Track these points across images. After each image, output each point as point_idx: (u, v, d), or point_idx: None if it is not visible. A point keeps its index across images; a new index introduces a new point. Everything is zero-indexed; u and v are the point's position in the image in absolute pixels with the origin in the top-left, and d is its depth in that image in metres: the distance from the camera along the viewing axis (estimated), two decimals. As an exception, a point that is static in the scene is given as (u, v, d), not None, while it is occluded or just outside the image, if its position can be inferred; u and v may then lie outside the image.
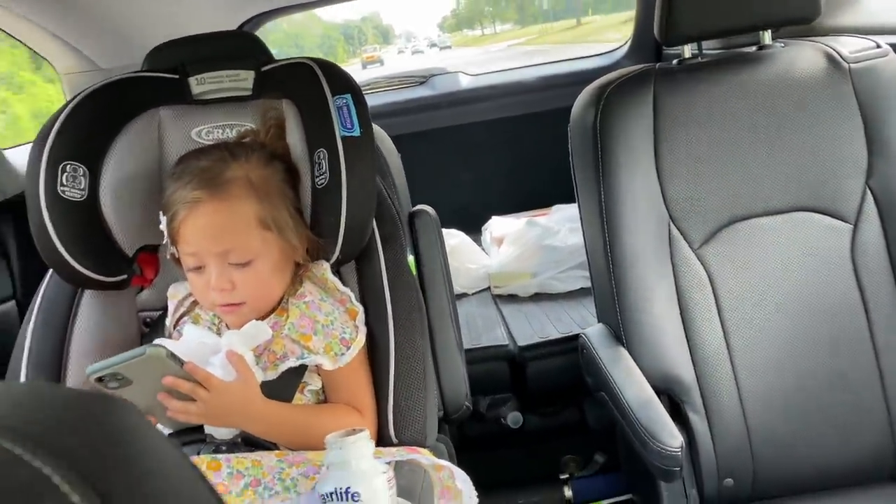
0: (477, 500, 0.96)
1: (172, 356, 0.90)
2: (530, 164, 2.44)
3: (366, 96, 1.12)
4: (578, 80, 2.29)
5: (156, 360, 0.89)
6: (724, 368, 1.27)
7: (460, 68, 2.65)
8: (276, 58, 1.19)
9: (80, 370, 1.10)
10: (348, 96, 1.09)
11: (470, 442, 1.64)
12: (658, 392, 1.21)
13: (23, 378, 1.09)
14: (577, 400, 1.77)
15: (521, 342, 1.71)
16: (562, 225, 2.02)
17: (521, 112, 2.46)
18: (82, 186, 1.08)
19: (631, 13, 2.40)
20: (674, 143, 1.30)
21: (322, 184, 1.07)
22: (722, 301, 1.28)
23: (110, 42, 1.59)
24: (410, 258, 1.21)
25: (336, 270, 1.11)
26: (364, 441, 0.77)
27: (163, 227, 1.04)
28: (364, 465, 0.76)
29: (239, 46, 1.21)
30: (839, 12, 1.60)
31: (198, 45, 1.20)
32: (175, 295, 1.14)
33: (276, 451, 0.97)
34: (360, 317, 1.07)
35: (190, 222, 1.00)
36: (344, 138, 1.06)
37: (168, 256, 1.11)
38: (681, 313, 1.28)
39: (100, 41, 1.57)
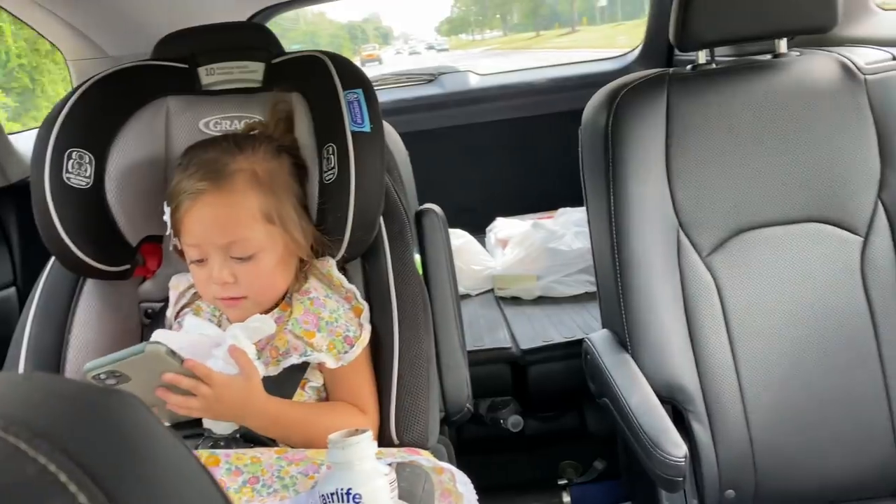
0: (477, 503, 0.95)
1: (171, 353, 0.89)
2: (537, 167, 2.43)
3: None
4: (588, 82, 2.28)
5: (154, 357, 0.88)
6: (730, 378, 1.25)
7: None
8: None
9: (80, 360, 1.09)
10: (360, 91, 1.08)
11: (468, 444, 1.63)
12: (662, 400, 1.20)
13: (21, 367, 1.07)
14: (578, 405, 1.76)
15: (524, 345, 1.70)
16: (567, 228, 2.00)
17: (530, 114, 2.44)
18: (88, 174, 1.07)
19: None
20: (685, 149, 1.29)
21: (330, 179, 1.06)
22: (729, 310, 1.27)
23: (120, 30, 1.58)
24: (417, 257, 1.20)
25: (342, 267, 1.10)
26: (367, 442, 0.75)
27: (166, 217, 1.03)
28: (366, 466, 0.74)
29: (249, 38, 1.20)
30: (854, 23, 1.59)
31: (208, 35, 1.19)
32: (177, 286, 1.13)
33: (276, 448, 0.96)
34: (365, 314, 1.06)
35: (193, 213, 0.98)
36: (354, 133, 1.05)
37: (171, 248, 1.10)
38: (687, 321, 1.27)
39: (109, 28, 1.56)
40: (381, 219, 1.11)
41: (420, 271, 1.18)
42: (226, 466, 0.90)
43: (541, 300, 1.94)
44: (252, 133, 1.10)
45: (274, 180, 1.02)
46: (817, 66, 1.32)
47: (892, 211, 1.27)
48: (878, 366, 1.25)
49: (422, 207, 1.31)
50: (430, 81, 2.55)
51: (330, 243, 1.06)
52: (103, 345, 1.10)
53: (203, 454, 0.92)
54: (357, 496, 0.72)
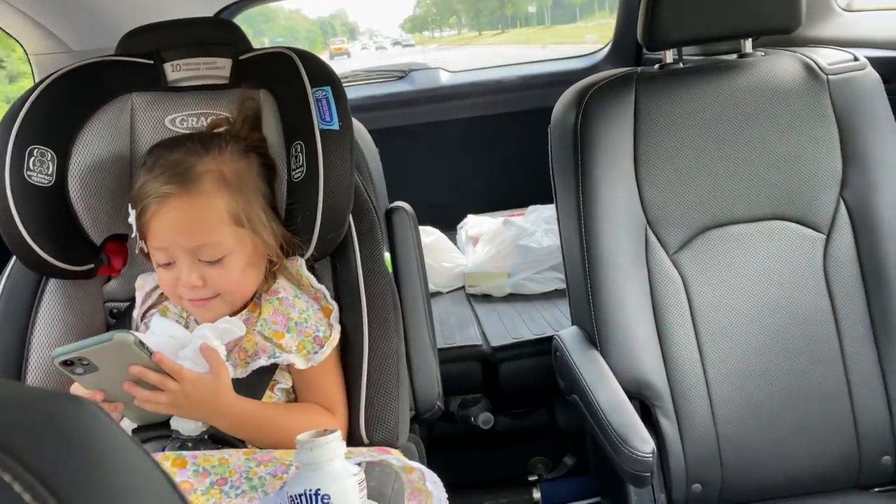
0: (447, 502, 0.95)
1: (140, 344, 0.88)
2: (507, 164, 2.43)
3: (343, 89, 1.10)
4: (558, 81, 2.29)
5: (123, 346, 0.86)
6: (696, 374, 1.27)
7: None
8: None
9: (43, 361, 1.07)
10: (328, 89, 1.07)
11: (438, 442, 1.63)
12: (630, 396, 1.21)
13: None
14: (547, 402, 1.77)
15: (495, 342, 1.70)
16: (538, 226, 2.01)
17: (500, 111, 2.45)
18: (50, 172, 1.05)
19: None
20: (653, 148, 1.30)
21: (298, 177, 1.05)
22: (695, 307, 1.29)
23: (83, 24, 1.55)
24: (387, 255, 1.20)
25: (311, 266, 1.09)
26: (335, 442, 0.75)
27: (132, 220, 1.02)
28: (335, 466, 0.74)
29: (216, 33, 1.19)
30: (818, 24, 1.62)
31: (174, 30, 1.17)
32: (143, 286, 1.11)
33: (244, 450, 0.95)
34: (335, 315, 1.06)
35: (160, 217, 0.97)
36: (322, 132, 1.04)
37: (137, 251, 1.08)
38: (655, 319, 1.28)
39: (72, 22, 1.53)
40: (351, 217, 1.10)
41: (390, 269, 1.17)
42: (193, 468, 0.89)
43: (511, 297, 1.94)
44: (218, 132, 1.09)
45: (242, 181, 1.01)
46: (781, 66, 1.34)
47: (854, 209, 1.30)
48: (840, 361, 1.28)
49: (392, 205, 1.31)
50: (400, 78, 2.54)
51: (299, 243, 1.05)
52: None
53: (170, 455, 0.91)
54: (326, 497, 0.72)
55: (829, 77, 1.32)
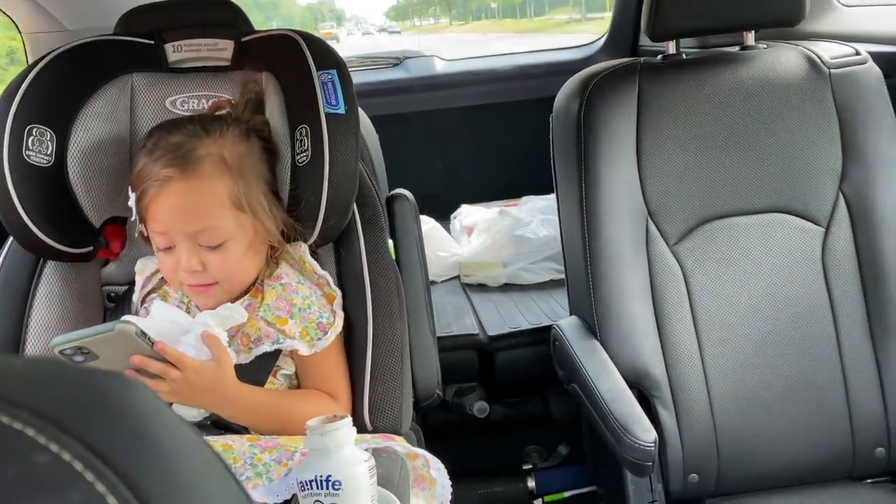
0: (451, 489, 0.95)
1: (142, 334, 0.86)
2: (502, 154, 2.42)
3: None
4: (554, 71, 2.28)
5: (124, 336, 0.85)
6: (695, 365, 1.28)
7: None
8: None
9: (40, 345, 1.06)
10: (334, 72, 1.06)
11: (433, 430, 1.62)
12: (629, 386, 1.21)
13: None
14: (542, 391, 1.77)
15: (492, 332, 1.70)
16: (533, 216, 2.01)
17: (495, 101, 2.44)
18: (49, 152, 1.03)
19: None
20: (655, 138, 1.30)
21: (303, 162, 1.03)
22: (695, 298, 1.29)
23: (79, 2, 1.52)
24: (390, 242, 1.19)
25: (313, 252, 1.08)
26: (346, 428, 0.74)
27: (131, 203, 1.00)
28: (345, 452, 0.74)
29: (219, 14, 1.17)
30: (818, 18, 1.62)
31: (176, 10, 1.16)
32: (143, 270, 1.10)
33: (248, 436, 0.94)
34: (338, 301, 1.05)
35: (160, 201, 0.96)
36: (328, 115, 1.03)
37: (136, 234, 1.07)
38: (654, 309, 1.29)
39: (67, 1, 1.50)
40: (354, 204, 1.09)
41: (394, 257, 1.17)
42: (196, 454, 0.88)
43: (507, 287, 1.94)
44: (220, 115, 1.07)
45: (243, 165, 1.00)
46: (784, 58, 1.34)
47: (853, 203, 1.31)
48: (837, 354, 1.29)
49: (393, 193, 1.30)
50: (394, 65, 2.52)
51: (302, 228, 1.04)
52: (64, 329, 1.07)
53: (172, 441, 0.90)
54: (336, 483, 0.71)
55: (831, 71, 1.32)
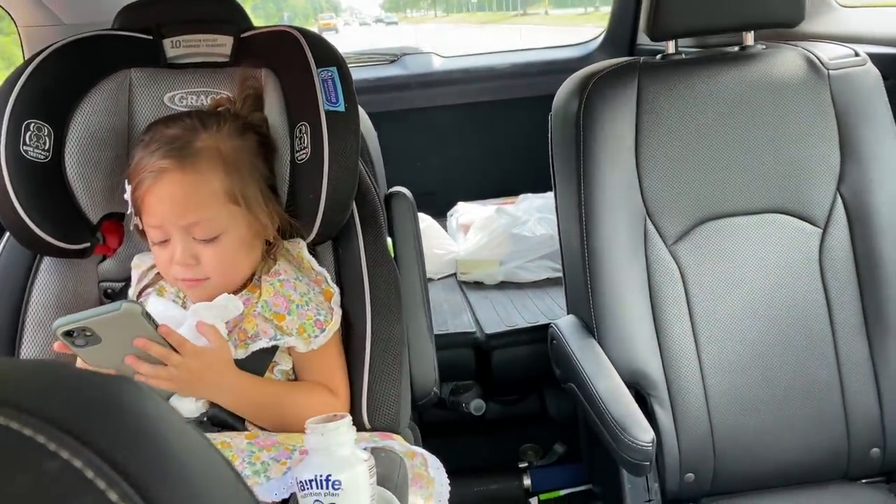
0: (449, 487, 0.95)
1: (147, 315, 0.86)
2: (499, 152, 2.42)
3: None
4: (551, 69, 2.28)
5: (130, 317, 0.85)
6: (692, 365, 1.28)
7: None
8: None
9: (37, 341, 1.05)
10: (334, 69, 1.05)
11: (429, 428, 1.62)
12: (626, 385, 1.22)
13: None
14: (538, 389, 1.77)
15: (489, 330, 1.70)
16: (530, 214, 2.01)
17: (492, 98, 2.44)
18: (46, 147, 1.03)
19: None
20: (654, 138, 1.30)
21: (303, 159, 1.03)
22: (692, 298, 1.29)
23: (75, -4, 1.51)
24: (389, 240, 1.19)
25: (311, 250, 1.08)
26: (346, 427, 0.74)
27: (127, 195, 1.00)
28: (345, 452, 0.73)
29: (217, 10, 1.16)
30: (816, 19, 1.63)
31: (174, 5, 1.15)
32: (139, 266, 1.09)
33: (246, 433, 0.94)
34: (336, 298, 1.05)
35: (155, 192, 0.95)
36: (328, 113, 1.02)
37: (132, 227, 1.06)
38: (652, 308, 1.29)
39: (64, -6, 1.49)
40: (353, 202, 1.09)
41: (392, 255, 1.16)
42: (194, 451, 0.88)
43: (503, 285, 1.94)
44: (218, 109, 1.07)
45: (238, 159, 1.00)
46: (783, 59, 1.34)
47: (850, 204, 1.31)
48: (833, 354, 1.29)
49: (391, 191, 1.29)
50: (392, 62, 2.52)
51: (300, 225, 1.04)
52: None
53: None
54: (336, 482, 0.71)
55: (830, 72, 1.32)
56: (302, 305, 1.01)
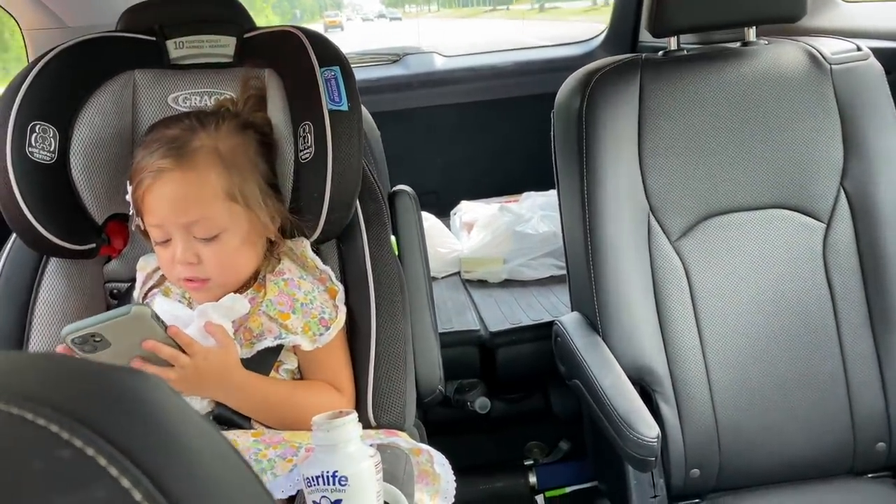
0: (455, 484, 0.95)
1: (157, 317, 0.87)
2: (502, 151, 2.42)
3: None
4: (553, 67, 2.28)
5: (140, 320, 0.85)
6: (696, 361, 1.28)
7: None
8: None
9: (44, 342, 1.06)
10: (337, 68, 1.06)
11: (434, 426, 1.62)
12: (631, 381, 1.22)
13: None
14: (543, 387, 1.77)
15: (493, 328, 1.70)
16: (533, 212, 2.01)
17: (495, 97, 2.44)
18: (52, 148, 1.03)
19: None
20: (657, 135, 1.30)
21: (306, 158, 1.04)
22: (696, 294, 1.30)
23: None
24: (393, 238, 1.19)
25: (315, 249, 1.08)
26: (352, 424, 0.75)
27: (128, 196, 1.00)
28: (351, 448, 0.74)
29: (220, 10, 1.17)
30: (818, 14, 1.63)
31: (177, 6, 1.16)
32: (144, 267, 1.10)
33: (252, 431, 0.94)
34: (340, 296, 1.05)
35: (154, 192, 0.96)
36: (331, 112, 1.03)
37: (133, 228, 1.07)
38: (656, 305, 1.29)
39: (68, -3, 1.50)
40: (357, 200, 1.09)
41: (396, 253, 1.17)
42: (201, 450, 0.88)
43: (507, 283, 1.94)
44: (217, 109, 1.08)
45: (237, 157, 1.00)
46: (785, 54, 1.34)
47: (854, 199, 1.31)
48: (838, 349, 1.29)
49: (395, 189, 1.30)
50: (394, 62, 2.52)
51: (304, 224, 1.04)
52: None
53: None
54: (343, 479, 0.72)
55: (833, 66, 1.32)
56: (307, 304, 1.01)
